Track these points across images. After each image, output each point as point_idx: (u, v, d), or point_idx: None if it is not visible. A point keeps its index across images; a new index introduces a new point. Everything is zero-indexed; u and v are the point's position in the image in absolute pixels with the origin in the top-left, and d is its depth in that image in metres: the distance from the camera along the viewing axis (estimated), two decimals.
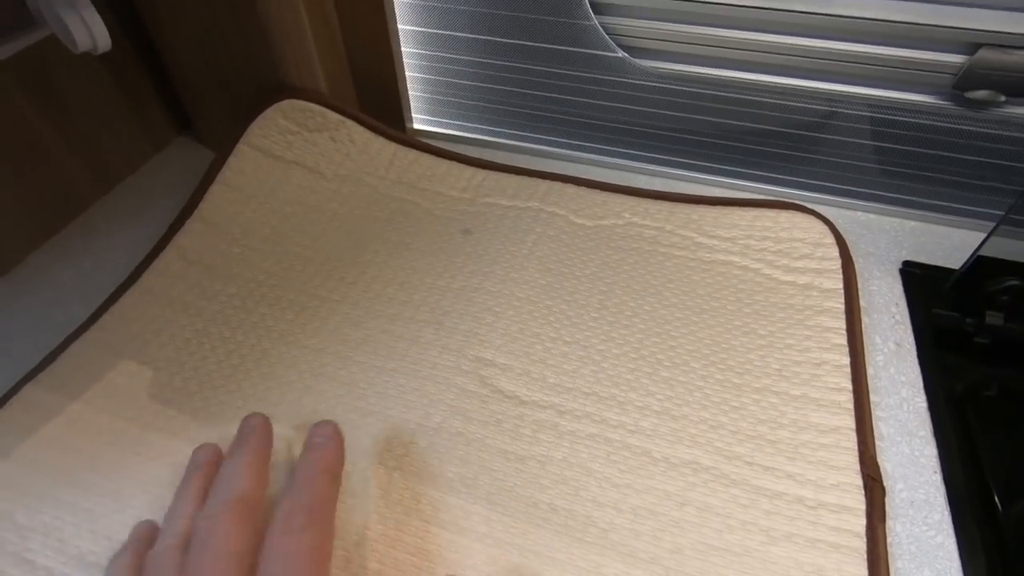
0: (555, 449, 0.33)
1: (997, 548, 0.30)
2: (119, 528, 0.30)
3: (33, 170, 0.44)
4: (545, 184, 0.48)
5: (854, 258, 0.43)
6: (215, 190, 0.45)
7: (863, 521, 0.30)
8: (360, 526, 0.30)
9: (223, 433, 0.33)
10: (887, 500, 0.31)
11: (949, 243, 0.45)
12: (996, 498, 0.32)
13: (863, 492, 0.30)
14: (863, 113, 0.44)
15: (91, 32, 0.35)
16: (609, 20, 0.45)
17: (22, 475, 0.32)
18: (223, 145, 0.48)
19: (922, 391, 0.36)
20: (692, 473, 0.32)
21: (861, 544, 0.29)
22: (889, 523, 0.31)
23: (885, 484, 0.32)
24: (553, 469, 0.32)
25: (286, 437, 0.33)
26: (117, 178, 0.51)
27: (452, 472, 0.32)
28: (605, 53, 0.46)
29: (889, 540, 0.30)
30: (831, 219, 0.44)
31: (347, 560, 0.29)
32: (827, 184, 0.48)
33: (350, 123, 0.49)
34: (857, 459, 0.32)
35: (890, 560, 0.29)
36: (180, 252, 0.43)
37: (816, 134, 0.46)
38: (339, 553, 0.29)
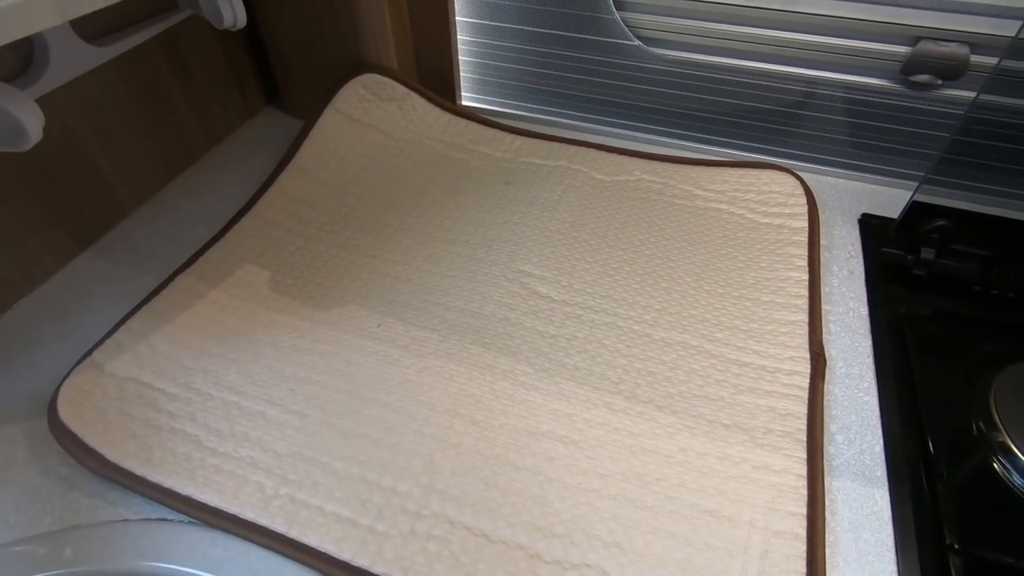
0: (578, 331, 0.43)
1: (911, 402, 0.40)
2: (257, 370, 0.41)
3: (166, 123, 0.55)
4: (572, 148, 0.59)
5: (821, 211, 0.53)
6: (308, 144, 0.57)
7: (807, 380, 0.40)
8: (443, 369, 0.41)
9: (324, 314, 0.44)
10: (828, 371, 0.41)
11: (903, 202, 0.55)
12: (914, 377, 0.42)
13: (809, 362, 0.41)
14: (832, 93, 0.54)
15: (235, 11, 0.47)
16: (628, 15, 0.56)
17: (183, 335, 0.43)
18: (306, 113, 0.59)
19: (865, 304, 0.46)
20: (682, 349, 0.42)
21: (804, 394, 0.39)
22: (829, 387, 0.41)
23: (828, 361, 0.42)
24: (577, 344, 0.43)
25: (370, 317, 0.44)
26: (222, 136, 0.62)
27: (501, 343, 0.43)
28: (624, 42, 0.57)
29: (828, 398, 0.40)
30: (805, 180, 0.54)
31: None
32: (804, 153, 0.59)
33: (414, 95, 0.60)
34: (807, 341, 0.42)
35: (826, 407, 0.39)
36: (282, 190, 0.54)
37: (795, 111, 0.57)
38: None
